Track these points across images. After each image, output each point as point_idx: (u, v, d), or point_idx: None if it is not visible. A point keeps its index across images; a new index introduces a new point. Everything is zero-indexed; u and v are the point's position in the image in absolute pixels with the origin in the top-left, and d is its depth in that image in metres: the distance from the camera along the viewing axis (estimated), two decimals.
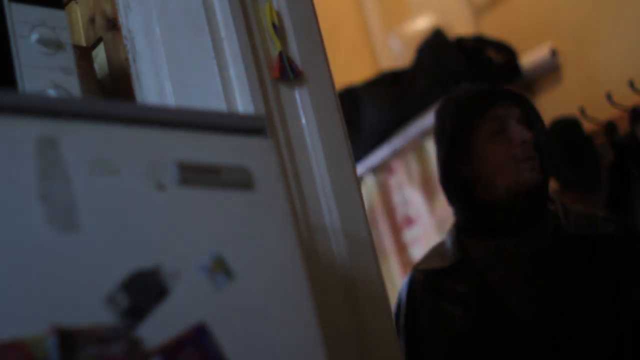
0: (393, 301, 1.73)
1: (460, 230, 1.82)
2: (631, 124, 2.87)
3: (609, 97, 2.93)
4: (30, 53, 1.40)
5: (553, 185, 2.78)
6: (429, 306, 1.78)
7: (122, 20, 1.63)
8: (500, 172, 1.73)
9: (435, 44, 3.48)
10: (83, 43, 1.73)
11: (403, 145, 3.57)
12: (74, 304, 0.90)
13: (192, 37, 1.49)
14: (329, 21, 2.70)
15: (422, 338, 1.78)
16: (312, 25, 1.59)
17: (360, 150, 3.58)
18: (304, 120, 1.51)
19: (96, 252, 0.94)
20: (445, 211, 3.30)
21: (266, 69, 1.49)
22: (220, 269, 1.02)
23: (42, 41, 1.41)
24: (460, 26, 3.71)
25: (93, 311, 0.91)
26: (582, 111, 3.04)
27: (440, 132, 1.84)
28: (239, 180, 1.09)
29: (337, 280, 1.43)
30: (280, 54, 1.51)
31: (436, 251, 1.86)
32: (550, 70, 3.40)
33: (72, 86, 1.43)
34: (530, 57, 3.40)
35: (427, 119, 3.37)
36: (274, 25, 1.53)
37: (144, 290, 0.95)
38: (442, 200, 3.39)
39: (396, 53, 4.04)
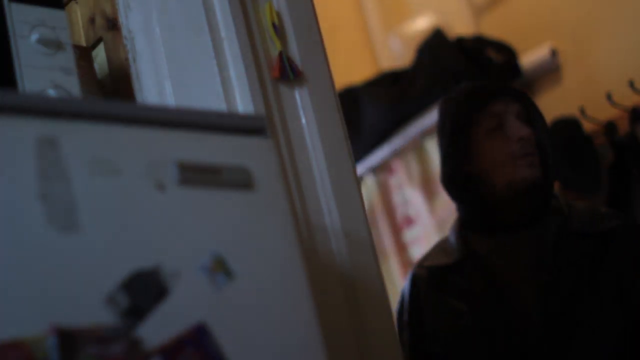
0: (393, 301, 1.72)
1: (463, 226, 1.82)
2: (631, 124, 2.87)
3: (609, 97, 2.93)
4: (30, 53, 1.40)
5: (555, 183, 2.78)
6: (433, 302, 1.78)
7: (122, 20, 1.63)
8: (498, 169, 1.73)
9: (435, 44, 3.48)
10: (83, 43, 1.73)
11: (403, 145, 3.57)
12: (74, 304, 0.90)
13: (192, 37, 1.49)
14: (329, 21, 2.70)
15: (427, 334, 1.78)
16: (312, 25, 1.59)
17: (360, 150, 3.58)
18: (304, 120, 1.51)
19: (96, 252, 0.94)
20: (445, 211, 3.31)
21: (266, 69, 1.49)
22: (220, 269, 1.02)
23: (42, 41, 1.41)
24: (460, 26, 3.71)
25: (93, 311, 0.91)
26: (582, 111, 3.04)
27: (441, 129, 1.84)
28: (239, 180, 1.09)
29: (337, 280, 1.43)
30: (280, 54, 1.51)
31: (440, 248, 1.86)
32: (550, 70, 3.40)
33: (72, 86, 1.43)
34: (530, 57, 3.40)
35: (427, 119, 3.37)
36: (274, 25, 1.53)
37: (144, 290, 0.95)
38: (442, 200, 3.40)
39: (396, 53, 4.04)
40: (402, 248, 3.58)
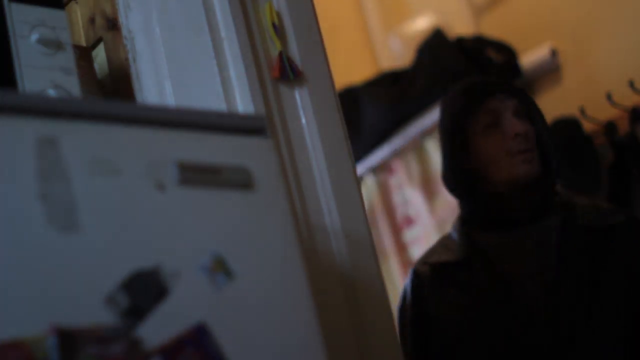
0: (393, 301, 1.72)
1: (466, 223, 1.81)
2: (631, 124, 2.87)
3: (609, 97, 2.93)
4: (30, 53, 1.40)
5: None
6: (438, 298, 1.77)
7: (122, 20, 1.63)
8: (495, 165, 1.73)
9: (435, 44, 3.48)
10: (83, 43, 1.73)
11: (403, 145, 3.57)
12: (74, 304, 0.90)
13: (192, 37, 1.49)
14: (329, 21, 2.70)
15: (432, 329, 1.77)
16: (312, 25, 1.59)
17: (360, 150, 3.58)
18: (304, 120, 1.51)
19: (96, 252, 0.94)
20: (445, 211, 3.31)
21: (266, 69, 1.49)
22: (220, 269, 1.02)
23: (42, 41, 1.41)
24: (460, 26, 3.71)
25: (93, 311, 0.91)
26: (582, 111, 3.04)
27: (440, 127, 1.84)
28: (239, 180, 1.09)
29: (337, 280, 1.43)
30: (280, 54, 1.51)
31: (442, 245, 1.85)
32: (550, 70, 3.39)
33: (72, 86, 1.43)
34: (530, 57, 3.40)
35: (427, 119, 3.38)
36: (274, 25, 1.53)
37: (144, 290, 0.95)
38: (442, 200, 3.40)
39: (396, 53, 4.04)
40: (402, 248, 3.58)
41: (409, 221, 3.57)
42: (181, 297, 0.98)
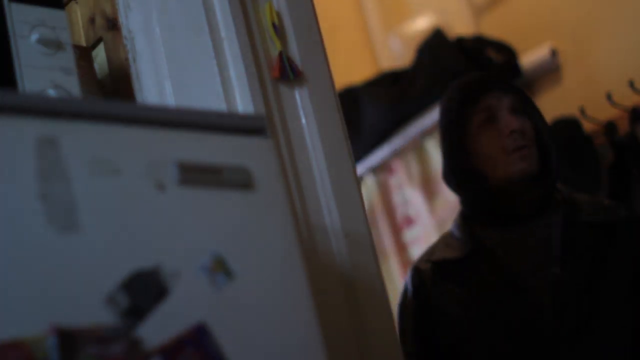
0: (393, 301, 1.72)
1: (467, 219, 1.81)
2: (631, 124, 2.87)
3: (609, 97, 2.93)
4: (30, 53, 1.40)
5: None
6: (442, 296, 1.76)
7: (122, 20, 1.63)
8: (492, 163, 1.73)
9: (435, 44, 3.48)
10: (83, 43, 1.73)
11: (403, 145, 3.57)
12: (74, 304, 0.90)
13: (192, 37, 1.49)
14: (329, 21, 2.70)
15: (437, 327, 1.77)
16: (312, 25, 1.59)
17: (360, 150, 3.58)
18: (304, 120, 1.51)
19: (96, 252, 0.94)
20: (445, 211, 3.31)
21: (266, 69, 1.49)
22: (220, 269, 1.02)
23: (42, 41, 1.41)
24: (460, 26, 3.71)
25: (93, 311, 0.91)
26: (582, 111, 3.04)
27: (439, 125, 1.85)
28: (239, 180, 1.09)
29: (337, 280, 1.43)
30: (280, 54, 1.51)
31: (444, 243, 1.84)
32: (550, 70, 3.39)
33: (72, 86, 1.43)
34: (530, 57, 3.40)
35: (427, 119, 3.38)
36: (274, 25, 1.53)
37: (144, 290, 0.95)
38: (442, 200, 3.40)
39: (396, 53, 4.04)
40: (402, 248, 3.58)
41: (409, 221, 3.57)
42: (181, 297, 0.98)
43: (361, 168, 3.61)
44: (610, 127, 2.93)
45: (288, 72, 1.51)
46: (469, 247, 1.76)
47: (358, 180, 1.56)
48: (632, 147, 2.82)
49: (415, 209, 3.53)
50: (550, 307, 1.66)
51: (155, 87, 1.54)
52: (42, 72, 1.40)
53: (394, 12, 4.19)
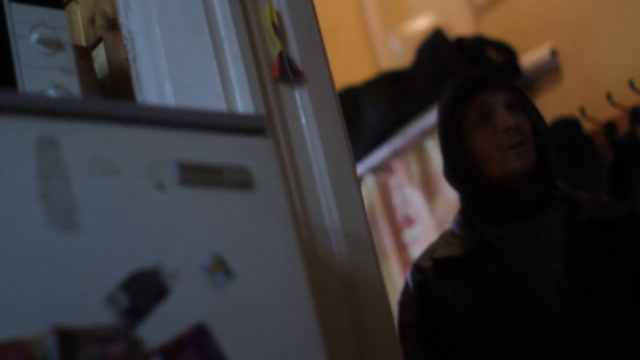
0: (393, 301, 1.72)
1: (467, 216, 1.81)
2: (631, 124, 2.87)
3: (609, 97, 2.93)
4: (30, 53, 1.40)
5: None
6: (446, 292, 1.75)
7: (122, 20, 1.63)
8: (489, 160, 1.72)
9: (435, 44, 3.48)
10: (83, 43, 1.73)
11: (403, 145, 3.57)
12: (74, 304, 0.90)
13: (192, 37, 1.49)
14: (329, 21, 2.70)
15: (442, 324, 1.76)
16: (312, 25, 1.59)
17: (360, 150, 3.58)
18: (304, 120, 1.51)
19: (96, 252, 0.94)
20: (445, 211, 3.31)
21: (266, 69, 1.49)
22: (220, 269, 1.02)
23: (42, 41, 1.41)
24: (460, 26, 3.71)
25: (93, 311, 0.91)
26: (582, 111, 3.04)
27: (437, 123, 1.85)
28: (238, 180, 1.09)
29: (337, 280, 1.43)
30: (280, 54, 1.51)
31: (445, 241, 1.83)
32: (550, 70, 3.40)
33: (72, 86, 1.43)
34: (530, 57, 3.40)
35: (427, 119, 3.38)
36: (274, 25, 1.53)
37: (144, 290, 0.95)
38: (442, 200, 3.40)
39: (396, 53, 4.04)
40: (402, 248, 3.58)
41: (409, 221, 3.57)
42: (181, 297, 0.98)
43: (361, 168, 3.61)
44: (610, 127, 2.93)
45: (288, 72, 1.51)
46: (472, 244, 1.76)
47: (358, 180, 1.56)
48: (632, 147, 2.82)
49: (415, 209, 3.53)
50: (556, 303, 1.66)
51: (155, 87, 1.54)
52: (42, 72, 1.40)
53: (394, 12, 4.19)
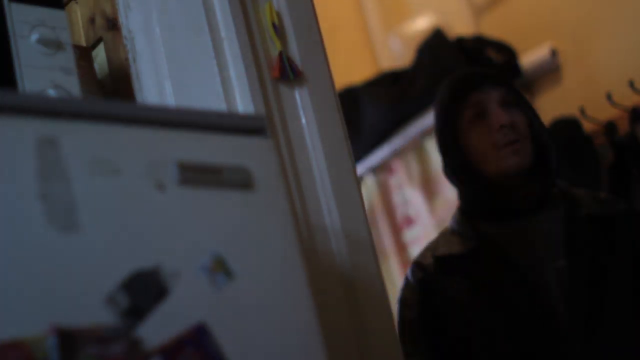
0: (393, 301, 1.72)
1: (467, 214, 1.80)
2: (631, 124, 2.87)
3: (609, 97, 2.93)
4: (30, 53, 1.40)
5: None
6: (449, 290, 1.74)
7: (122, 20, 1.63)
8: (485, 158, 1.72)
9: (435, 44, 3.48)
10: (83, 43, 1.73)
11: (403, 145, 3.57)
12: (74, 304, 0.90)
13: (192, 37, 1.49)
14: (329, 21, 2.70)
15: (445, 321, 1.75)
16: (312, 25, 1.59)
17: (360, 150, 3.58)
18: (304, 120, 1.51)
19: (96, 252, 0.94)
20: (445, 211, 3.31)
21: (266, 69, 1.49)
22: (220, 269, 1.02)
23: (42, 41, 1.41)
24: (460, 26, 3.71)
25: (93, 311, 0.91)
26: (582, 111, 3.04)
27: (434, 123, 1.85)
28: (239, 180, 1.09)
29: (337, 280, 1.43)
30: (280, 54, 1.51)
31: (445, 239, 1.83)
32: (550, 70, 3.40)
33: (72, 86, 1.43)
34: (530, 57, 3.40)
35: (427, 119, 3.37)
36: (274, 25, 1.53)
37: (144, 290, 0.95)
38: (442, 200, 3.40)
39: (396, 53, 4.05)
40: (402, 248, 3.58)
41: (409, 221, 3.57)
42: (181, 297, 0.98)
43: (361, 168, 3.61)
44: (610, 127, 2.93)
45: (288, 72, 1.51)
46: (473, 242, 1.75)
47: (358, 180, 1.56)
48: (632, 147, 2.82)
49: (415, 209, 3.53)
50: (561, 299, 1.66)
51: (155, 87, 1.54)
52: (42, 72, 1.40)
53: (394, 12, 4.19)
